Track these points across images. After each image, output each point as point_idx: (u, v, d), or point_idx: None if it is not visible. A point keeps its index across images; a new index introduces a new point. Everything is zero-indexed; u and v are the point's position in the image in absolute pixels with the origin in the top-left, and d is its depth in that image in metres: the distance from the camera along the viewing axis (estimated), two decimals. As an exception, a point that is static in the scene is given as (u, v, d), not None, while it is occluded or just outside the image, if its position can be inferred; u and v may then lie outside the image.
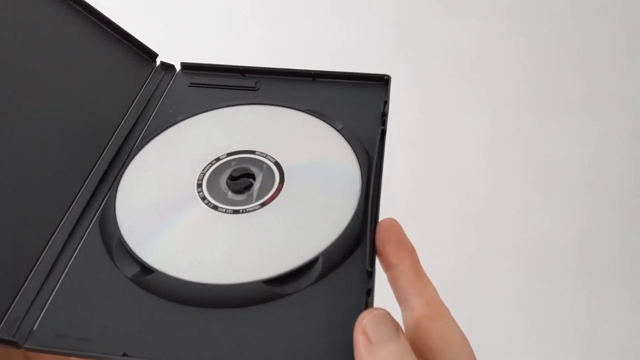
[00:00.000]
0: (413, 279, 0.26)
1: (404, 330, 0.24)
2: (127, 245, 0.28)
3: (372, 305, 0.24)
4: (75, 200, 0.30)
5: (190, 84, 0.37)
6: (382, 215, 0.28)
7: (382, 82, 0.36)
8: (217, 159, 0.32)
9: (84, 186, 0.31)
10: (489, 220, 0.74)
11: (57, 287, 0.27)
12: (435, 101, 0.82)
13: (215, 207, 0.29)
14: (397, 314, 0.25)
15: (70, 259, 0.28)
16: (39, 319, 0.26)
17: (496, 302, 0.70)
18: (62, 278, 0.27)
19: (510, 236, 0.73)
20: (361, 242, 0.27)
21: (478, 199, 0.76)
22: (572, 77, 0.84)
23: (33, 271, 0.27)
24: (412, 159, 0.77)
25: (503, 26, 0.87)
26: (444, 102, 0.82)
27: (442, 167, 0.78)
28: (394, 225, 0.27)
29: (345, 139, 0.32)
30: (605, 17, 0.88)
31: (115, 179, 0.31)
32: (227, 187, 0.30)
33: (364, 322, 0.23)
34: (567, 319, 0.69)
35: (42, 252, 0.28)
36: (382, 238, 0.27)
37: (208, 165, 0.31)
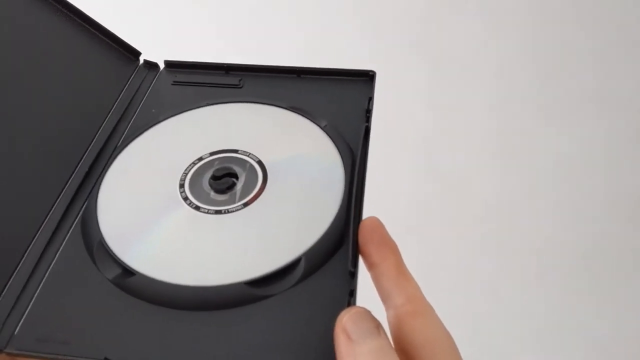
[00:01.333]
0: (395, 277, 0.26)
1: (386, 329, 0.24)
2: (108, 247, 0.28)
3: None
4: (57, 202, 0.30)
5: (174, 82, 0.37)
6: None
7: (366, 77, 0.35)
8: (200, 159, 0.31)
9: (66, 187, 0.31)
10: (491, 221, 0.74)
11: (38, 291, 0.27)
12: (438, 100, 0.81)
13: (197, 208, 0.29)
14: (382, 315, 0.25)
15: (52, 261, 0.28)
16: (20, 323, 0.26)
17: (499, 304, 0.69)
18: (43, 281, 0.27)
19: (513, 237, 0.72)
20: (344, 242, 0.27)
21: (480, 200, 0.75)
22: (577, 77, 0.83)
23: (14, 274, 0.27)
24: (414, 158, 0.76)
25: (506, 24, 0.86)
26: (446, 101, 0.82)
27: (444, 166, 0.77)
28: (376, 223, 0.27)
29: (329, 136, 0.32)
30: (609, 15, 0.87)
31: (97, 179, 0.31)
32: (209, 187, 0.30)
33: (344, 320, 0.23)
34: (571, 320, 0.69)
35: (24, 255, 0.28)
36: (365, 237, 0.26)
37: (191, 165, 0.31)
